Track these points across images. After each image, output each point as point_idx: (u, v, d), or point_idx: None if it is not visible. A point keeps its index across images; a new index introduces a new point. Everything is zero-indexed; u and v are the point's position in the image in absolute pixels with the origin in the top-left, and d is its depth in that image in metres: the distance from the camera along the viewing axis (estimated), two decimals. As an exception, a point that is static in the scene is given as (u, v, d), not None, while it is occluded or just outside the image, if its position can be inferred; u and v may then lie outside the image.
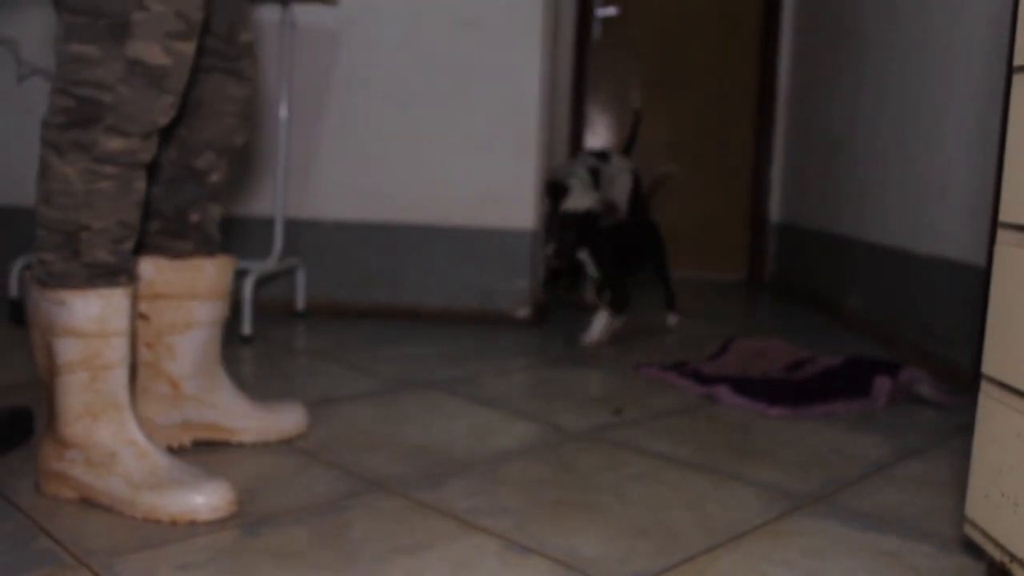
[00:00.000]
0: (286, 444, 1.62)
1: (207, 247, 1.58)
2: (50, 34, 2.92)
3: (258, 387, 2.00)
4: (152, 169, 1.41)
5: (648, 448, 1.67)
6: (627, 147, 3.49)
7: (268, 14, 2.85)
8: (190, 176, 1.53)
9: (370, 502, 1.36)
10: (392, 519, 1.30)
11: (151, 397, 1.54)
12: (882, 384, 2.00)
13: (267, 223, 2.89)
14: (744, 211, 4.35)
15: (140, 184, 1.33)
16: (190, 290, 1.53)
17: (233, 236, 2.93)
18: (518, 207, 2.92)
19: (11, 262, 2.75)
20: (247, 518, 1.28)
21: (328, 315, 2.95)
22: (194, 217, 1.55)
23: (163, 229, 1.53)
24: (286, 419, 1.63)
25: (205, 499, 1.26)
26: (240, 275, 2.59)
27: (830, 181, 3.47)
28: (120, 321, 1.30)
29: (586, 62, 4.27)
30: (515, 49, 2.87)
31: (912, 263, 2.60)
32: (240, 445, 1.59)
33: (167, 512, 1.25)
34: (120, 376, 1.31)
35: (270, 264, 2.71)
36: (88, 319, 1.27)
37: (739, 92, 4.31)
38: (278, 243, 2.75)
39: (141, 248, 1.52)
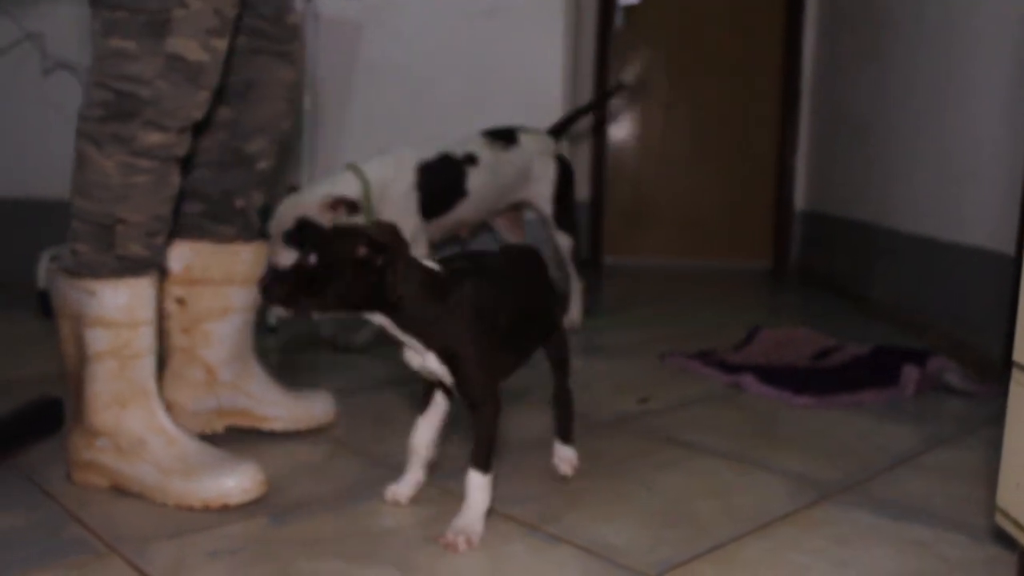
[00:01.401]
0: (315, 432, 1.63)
1: (248, 233, 1.58)
2: (75, 28, 2.94)
3: (285, 376, 2.00)
4: (187, 159, 1.42)
5: (674, 437, 1.66)
6: (564, 124, 2.72)
7: (291, 5, 2.86)
8: (239, 161, 1.53)
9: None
10: (419, 507, 1.30)
11: (184, 383, 1.55)
12: (910, 373, 1.98)
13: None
14: (769, 199, 4.31)
15: (175, 179, 1.34)
16: (228, 276, 1.53)
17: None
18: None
19: (39, 254, 2.77)
20: (276, 506, 1.29)
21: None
22: (239, 203, 1.55)
23: (206, 212, 1.53)
24: (316, 407, 1.64)
25: (236, 481, 1.27)
26: (265, 265, 2.60)
27: (856, 168, 3.43)
28: (147, 310, 1.31)
29: (608, 51, 4.24)
30: (537, 38, 2.86)
31: (940, 251, 2.56)
32: (271, 433, 1.60)
33: (198, 497, 1.26)
34: (148, 364, 1.32)
35: (295, 254, 2.72)
36: (117, 309, 1.28)
37: (763, 78, 4.27)
38: (303, 233, 2.76)
39: (181, 230, 1.51)
